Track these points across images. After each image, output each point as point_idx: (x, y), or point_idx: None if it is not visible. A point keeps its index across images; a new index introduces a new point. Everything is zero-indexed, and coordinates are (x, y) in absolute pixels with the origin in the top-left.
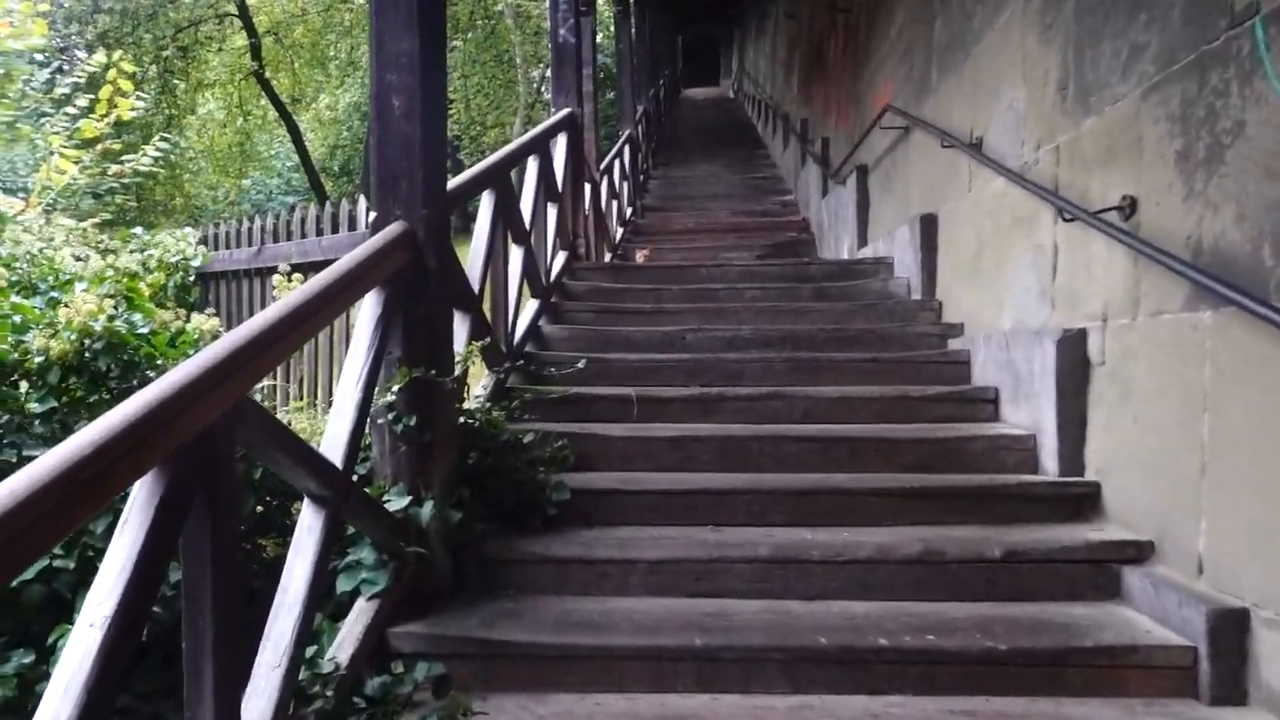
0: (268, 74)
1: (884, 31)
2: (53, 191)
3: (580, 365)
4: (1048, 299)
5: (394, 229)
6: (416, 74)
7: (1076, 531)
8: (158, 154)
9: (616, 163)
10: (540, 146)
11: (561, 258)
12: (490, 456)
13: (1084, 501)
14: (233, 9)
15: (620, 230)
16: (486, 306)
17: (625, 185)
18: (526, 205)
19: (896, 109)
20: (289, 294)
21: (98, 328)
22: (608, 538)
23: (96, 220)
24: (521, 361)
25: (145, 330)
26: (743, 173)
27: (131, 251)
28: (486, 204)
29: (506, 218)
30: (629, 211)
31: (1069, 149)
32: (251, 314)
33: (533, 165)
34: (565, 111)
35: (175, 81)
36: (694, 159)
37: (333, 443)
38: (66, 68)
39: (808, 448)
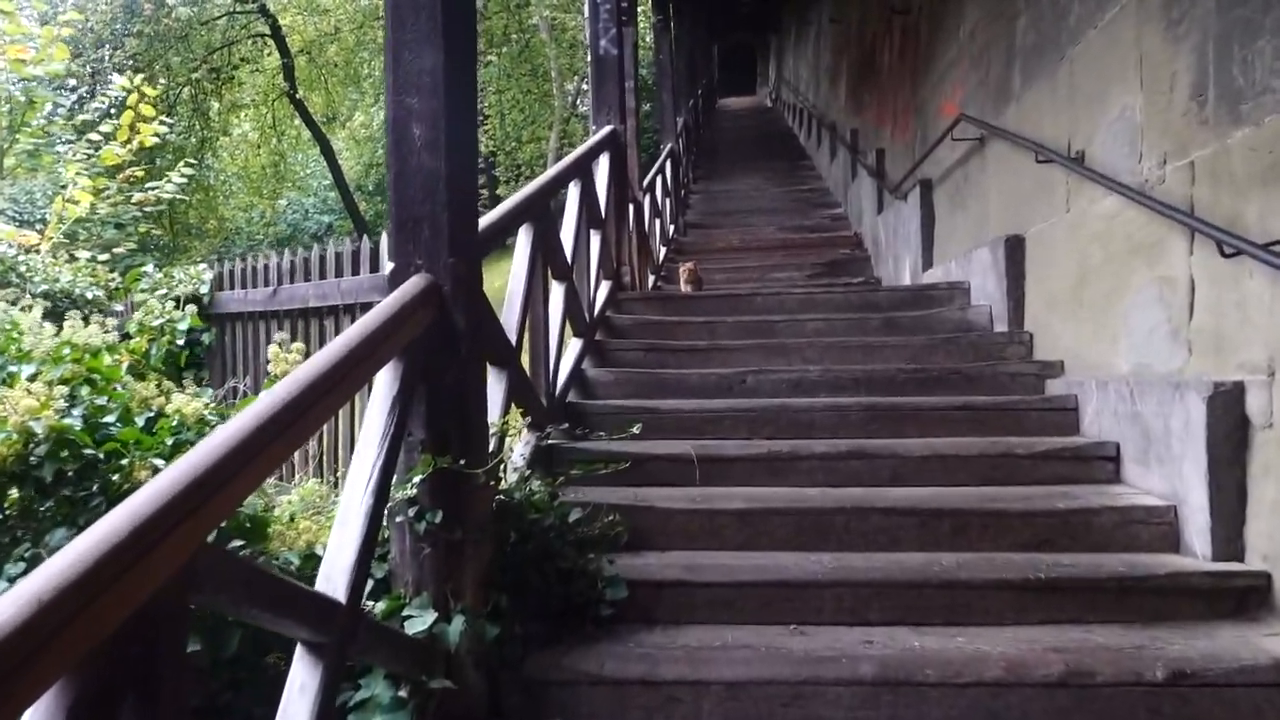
0: (301, 94)
1: (951, 33)
2: (65, 223)
3: (635, 431)
4: (1182, 342)
5: (414, 284)
6: (440, 97)
7: (1250, 639)
8: (183, 180)
9: (659, 179)
10: (582, 169)
11: (605, 289)
12: (531, 541)
13: (1251, 596)
14: (265, 29)
15: (664, 250)
16: (525, 355)
17: (668, 202)
18: (568, 236)
19: (970, 118)
20: (270, 391)
21: (39, 429)
22: (673, 646)
23: (121, 250)
24: (565, 421)
25: (113, 418)
26: (787, 185)
27: (142, 291)
28: (524, 239)
29: (546, 252)
30: (671, 229)
31: (1209, 166)
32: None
33: (574, 191)
34: (607, 129)
35: (209, 104)
36: (734, 172)
37: (335, 564)
38: (92, 94)
39: (901, 521)
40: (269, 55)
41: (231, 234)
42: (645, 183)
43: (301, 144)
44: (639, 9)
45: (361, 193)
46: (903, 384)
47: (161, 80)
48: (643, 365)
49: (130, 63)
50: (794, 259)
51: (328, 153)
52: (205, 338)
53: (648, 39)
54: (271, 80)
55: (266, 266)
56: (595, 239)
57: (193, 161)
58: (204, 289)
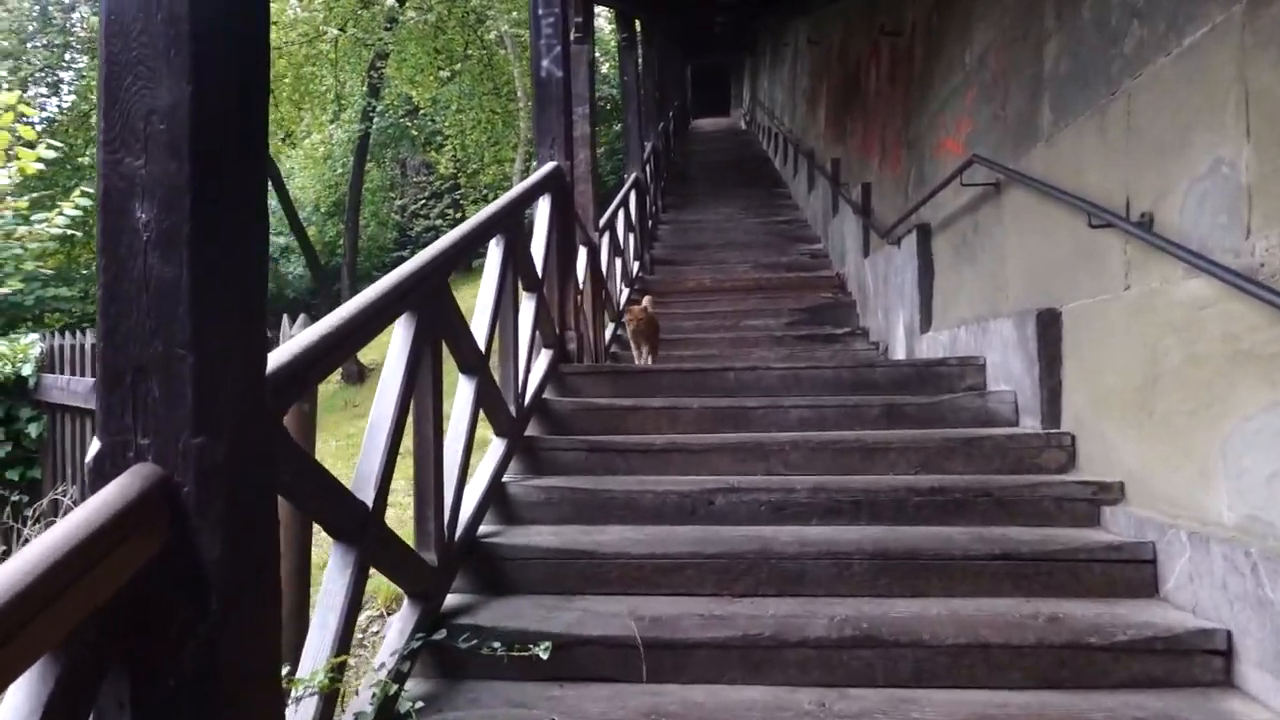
0: None
1: (954, 59)
2: None
3: (543, 654)
4: None
5: (119, 489)
6: (187, 154)
7: None
8: (78, 211)
9: (620, 213)
10: (506, 222)
11: (544, 363)
12: None
13: None
14: None
15: (625, 293)
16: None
17: (631, 238)
18: (483, 313)
19: (985, 160)
20: None
21: None
22: None
23: (5, 289)
24: (471, 573)
25: None
26: (762, 215)
27: None
28: (402, 335)
29: (446, 339)
30: (635, 268)
31: None
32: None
33: (495, 253)
34: (548, 168)
35: None
36: (707, 199)
37: None
38: None
39: None
40: None
41: None
42: (604, 220)
43: None
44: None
45: (321, 213)
46: (916, 510)
47: (73, 95)
48: (584, 471)
49: (40, 76)
50: (771, 303)
51: (273, 174)
52: (33, 428)
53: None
54: None
55: None
56: (529, 305)
57: (90, 191)
58: (27, 369)
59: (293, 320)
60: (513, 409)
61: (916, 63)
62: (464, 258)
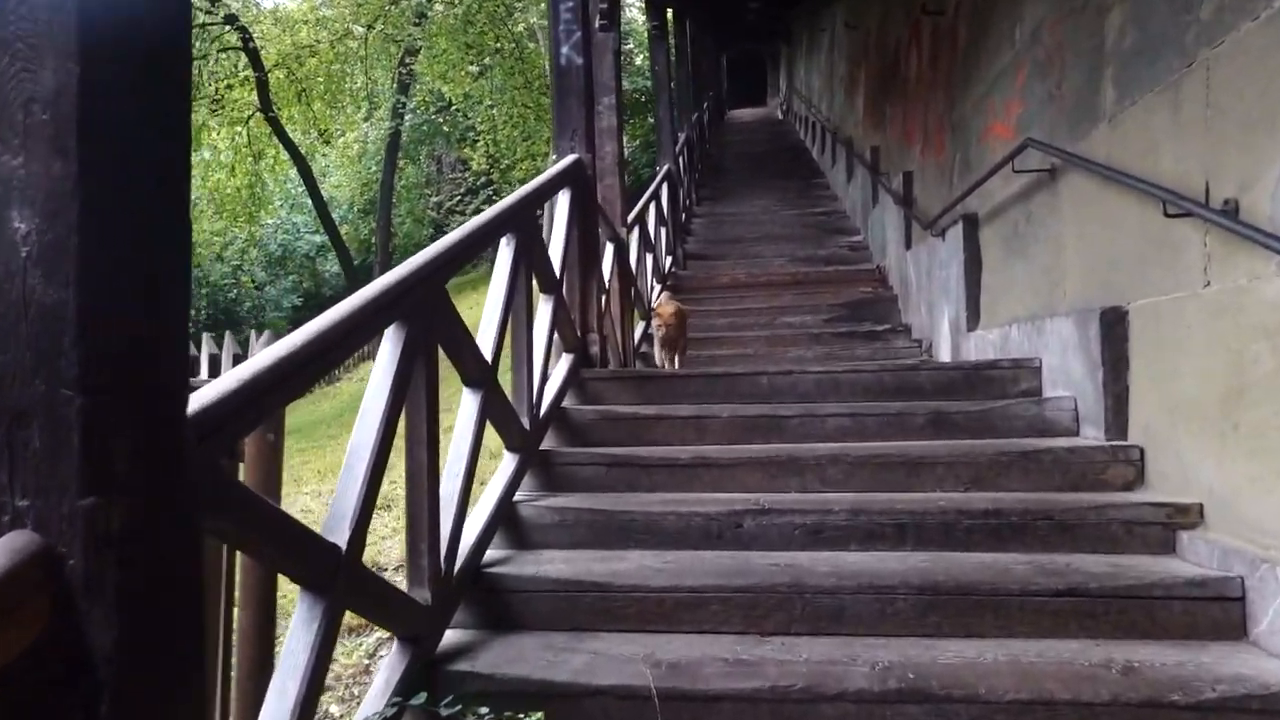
0: (279, 111)
1: (1003, 36)
2: None
3: None
4: None
5: None
6: (74, 151)
7: None
8: None
9: (651, 207)
10: (519, 220)
11: (563, 369)
12: None
13: None
14: (236, 42)
15: (657, 290)
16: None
17: (663, 232)
18: (491, 321)
19: (1039, 144)
20: None
21: None
22: None
23: None
24: (474, 606)
25: None
26: (799, 207)
27: None
28: (384, 365)
29: (450, 355)
30: (668, 263)
31: None
32: None
33: (506, 253)
34: (568, 161)
35: None
36: (742, 191)
37: None
38: None
39: None
40: (244, 70)
41: (207, 261)
42: (634, 214)
43: (284, 163)
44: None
45: (355, 211)
46: (968, 534)
47: None
48: (604, 488)
49: None
50: (808, 298)
51: (305, 173)
52: None
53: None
54: (247, 97)
55: None
56: (545, 308)
57: None
58: None
59: (272, 335)
60: (526, 422)
61: (960, 43)
62: (467, 259)
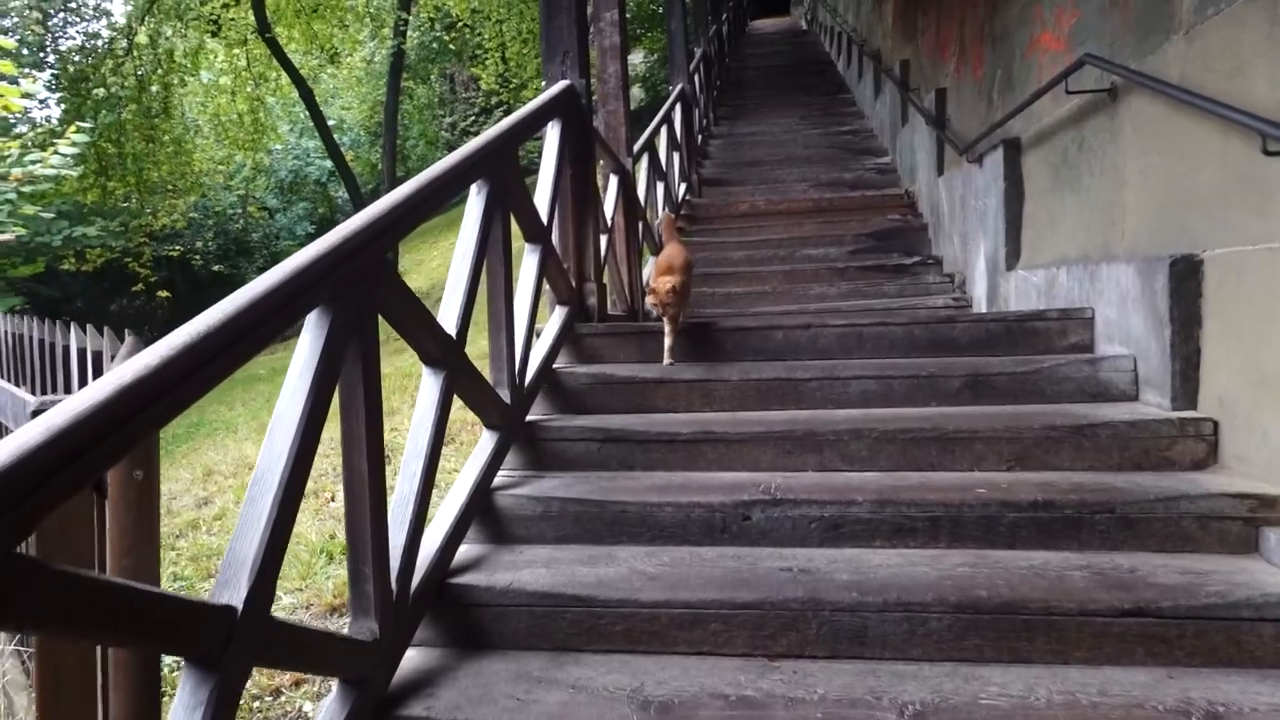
0: (278, 31)
1: None
2: None
3: None
4: None
5: None
6: None
7: None
8: (75, 149)
9: (663, 131)
10: (493, 163)
11: (555, 325)
12: None
13: None
14: None
15: None
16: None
17: (676, 158)
18: (457, 285)
19: (1098, 60)
20: None
21: None
22: None
23: (9, 237)
24: (436, 624)
25: None
26: (824, 126)
27: None
28: (304, 360)
29: (404, 335)
30: (681, 190)
31: None
32: None
33: (475, 203)
34: (557, 89)
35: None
36: (764, 109)
37: None
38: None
39: None
40: None
41: (212, 190)
42: (642, 141)
43: (286, 87)
44: None
45: (367, 134)
46: (1012, 530)
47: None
48: (594, 466)
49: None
50: (832, 228)
51: (306, 96)
52: None
53: None
54: (244, 17)
55: None
56: (531, 260)
57: (85, 126)
58: None
59: (135, 342)
60: (507, 394)
61: None
62: (420, 219)
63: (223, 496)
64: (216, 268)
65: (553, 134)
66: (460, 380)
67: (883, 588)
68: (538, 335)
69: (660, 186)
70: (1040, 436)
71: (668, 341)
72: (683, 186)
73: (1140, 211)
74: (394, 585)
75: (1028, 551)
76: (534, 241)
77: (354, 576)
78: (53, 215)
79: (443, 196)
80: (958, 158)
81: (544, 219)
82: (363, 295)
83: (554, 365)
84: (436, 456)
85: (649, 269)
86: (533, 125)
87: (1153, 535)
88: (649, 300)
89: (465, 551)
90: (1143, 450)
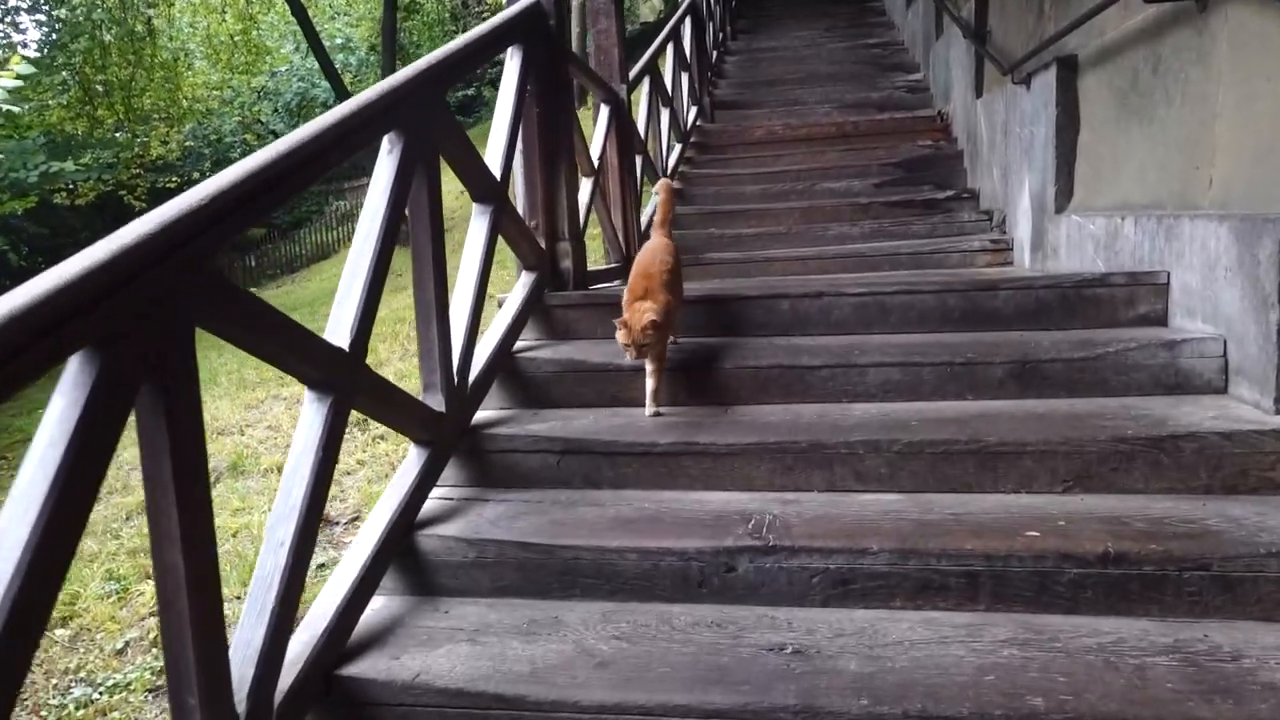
0: None
1: None
2: None
3: None
4: None
5: None
6: None
7: None
8: (18, 81)
9: (669, 49)
10: (408, 113)
11: (518, 297)
12: None
13: None
14: None
15: (677, 150)
16: None
17: (685, 79)
18: (354, 279)
19: None
20: None
21: None
22: None
23: None
24: None
25: None
26: (850, 38)
27: None
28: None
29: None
30: (691, 116)
31: None
32: None
33: (386, 166)
34: (516, 8)
35: None
36: (786, 20)
37: None
38: None
39: None
40: None
41: (210, 116)
42: (644, 61)
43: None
44: None
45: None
46: (1074, 591)
47: None
48: (551, 485)
49: None
50: (857, 155)
51: (298, 11)
52: None
53: None
54: None
55: None
56: (480, 225)
57: (29, 57)
58: None
59: None
60: (439, 402)
61: None
62: (274, 204)
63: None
64: None
65: (512, 65)
66: (358, 400)
67: (902, 690)
68: (499, 306)
69: (666, 113)
70: (1106, 451)
71: (650, 385)
72: (693, 111)
73: (1236, 153)
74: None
75: (1093, 619)
76: (483, 201)
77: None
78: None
79: (321, 165)
80: (1000, 77)
81: (497, 172)
82: (165, 320)
83: (516, 345)
84: (316, 516)
85: (650, 209)
86: (476, 56)
87: (1259, 600)
88: (618, 335)
89: (375, 612)
90: (1239, 470)
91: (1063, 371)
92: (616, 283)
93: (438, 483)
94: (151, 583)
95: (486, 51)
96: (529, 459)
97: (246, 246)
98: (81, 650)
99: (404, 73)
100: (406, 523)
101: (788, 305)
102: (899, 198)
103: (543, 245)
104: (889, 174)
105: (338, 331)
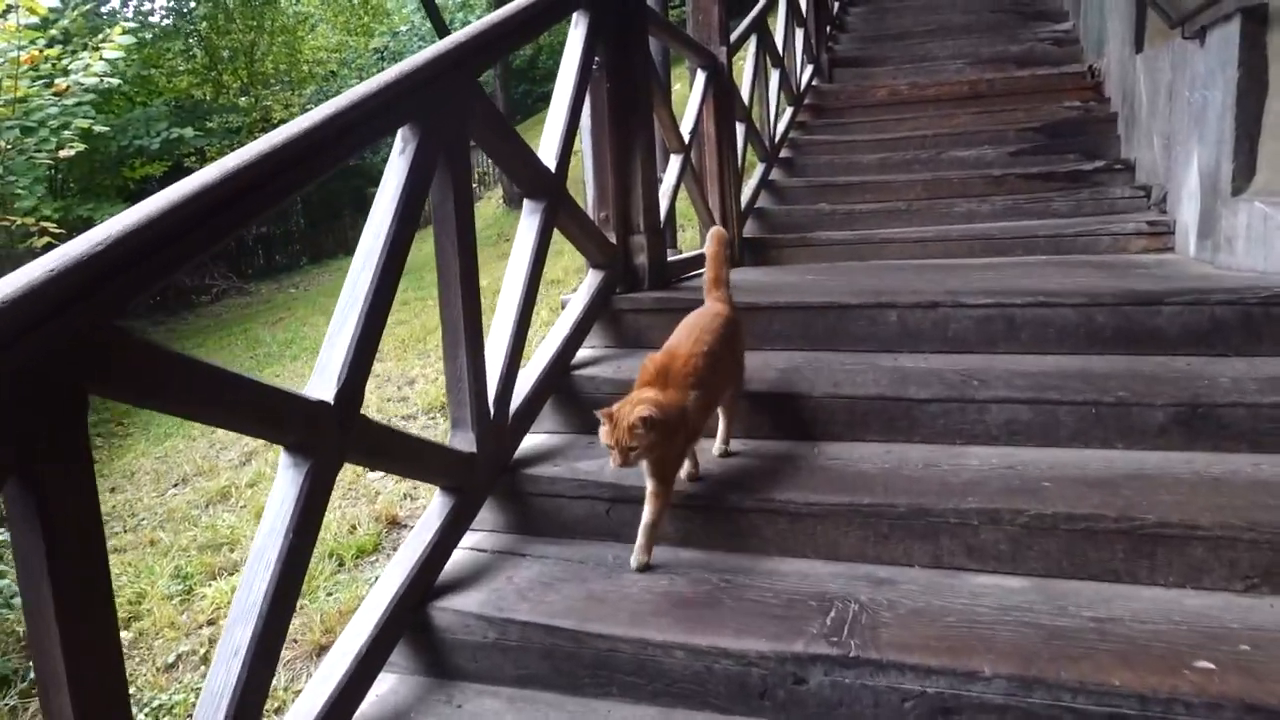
0: None
1: None
2: None
3: None
4: None
5: None
6: None
7: None
8: (119, 52)
9: (781, 3)
10: (429, 96)
11: (580, 302)
12: None
13: None
14: None
15: (788, 115)
16: None
17: (798, 35)
18: (356, 296)
19: None
20: None
21: None
22: None
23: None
24: None
25: None
26: None
27: None
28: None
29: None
30: (806, 75)
31: None
32: None
33: (398, 167)
34: None
35: None
36: None
37: None
38: None
39: None
40: None
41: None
42: (745, 25)
43: None
44: None
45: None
46: None
47: None
48: (597, 537)
49: None
50: (991, 119)
51: None
52: None
53: None
54: None
55: None
56: (530, 225)
57: (132, 23)
58: None
59: None
60: (468, 441)
61: None
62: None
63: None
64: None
65: (575, 35)
66: (352, 457)
67: None
68: (564, 307)
69: (775, 75)
70: None
71: (646, 516)
72: (808, 71)
73: None
74: None
75: None
76: (536, 197)
77: None
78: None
79: (268, 201)
80: (1167, 29)
81: (551, 162)
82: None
83: (580, 355)
84: (282, 615)
85: (750, 185)
86: (524, 29)
87: None
88: (600, 433)
89: (378, 700)
90: None
91: (1246, 419)
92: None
93: (473, 526)
94: (213, 586)
95: (539, 22)
96: (574, 505)
97: (332, 212)
98: (136, 659)
99: (420, 56)
100: (424, 586)
101: (895, 317)
102: (1039, 169)
103: (613, 241)
104: (1028, 140)
105: (323, 378)
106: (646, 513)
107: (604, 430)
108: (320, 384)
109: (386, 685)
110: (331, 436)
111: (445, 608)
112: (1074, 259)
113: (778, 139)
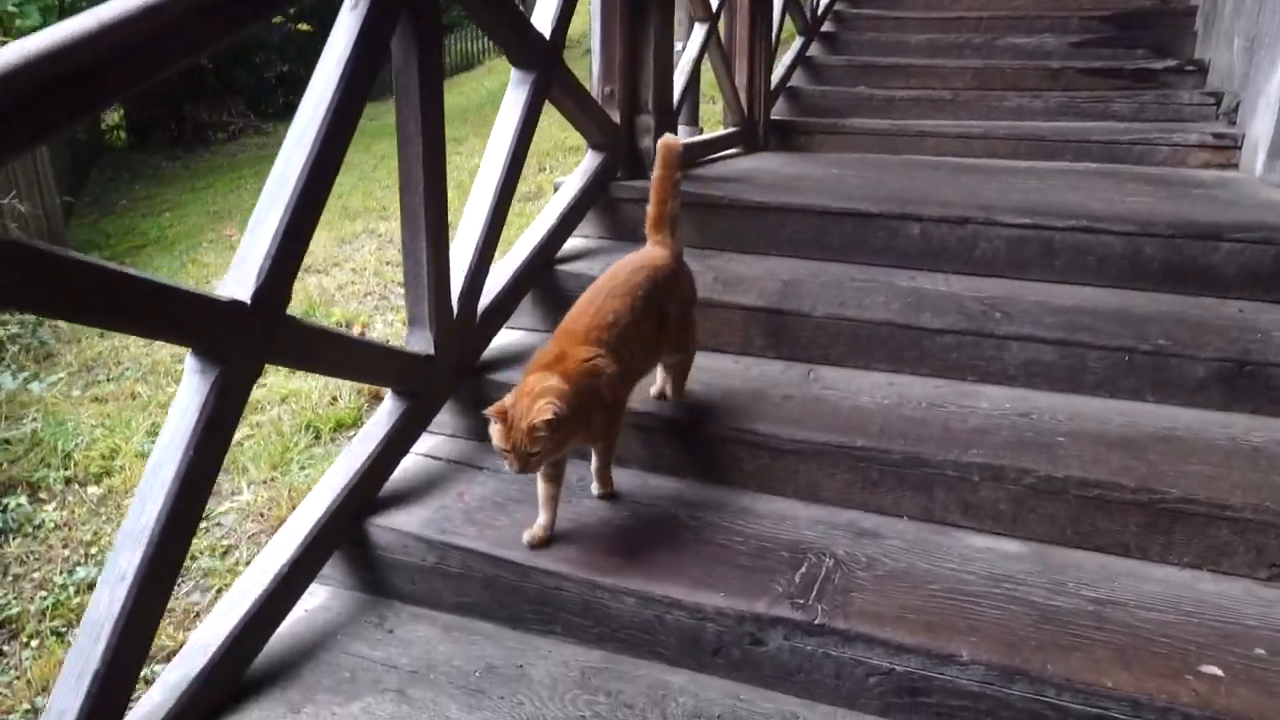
0: None
1: None
2: None
3: None
4: None
5: None
6: None
7: None
8: None
9: None
10: None
11: (578, 181)
12: None
13: None
14: None
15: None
16: None
17: None
18: (288, 175)
19: None
20: None
21: None
22: None
23: None
24: None
25: None
26: None
27: None
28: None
29: None
30: None
31: None
32: None
33: (344, 28)
34: None
35: None
36: None
37: None
38: None
39: None
40: None
41: None
42: None
43: None
44: None
45: None
46: None
47: None
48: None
49: None
50: (1056, 5)
51: None
52: None
53: None
54: None
55: None
56: (516, 101)
57: None
58: None
59: None
60: (425, 341)
61: None
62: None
63: None
64: None
65: None
66: (274, 359)
67: None
68: (555, 189)
69: None
70: None
71: (594, 461)
72: None
73: None
74: None
75: None
76: (526, 68)
77: None
78: None
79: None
80: None
81: (547, 26)
82: None
83: (568, 246)
84: (178, 542)
85: (785, 61)
86: None
87: None
88: (492, 432)
89: (306, 616)
90: None
91: None
92: (732, 152)
93: (431, 428)
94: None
95: None
96: None
97: None
98: (102, 517)
99: None
100: (364, 497)
101: (918, 230)
102: (1101, 64)
103: (616, 120)
104: (1094, 31)
105: (239, 275)
106: (594, 458)
107: (496, 431)
108: (235, 282)
109: (317, 600)
110: (247, 342)
111: (385, 525)
112: (1127, 170)
113: (820, 10)
